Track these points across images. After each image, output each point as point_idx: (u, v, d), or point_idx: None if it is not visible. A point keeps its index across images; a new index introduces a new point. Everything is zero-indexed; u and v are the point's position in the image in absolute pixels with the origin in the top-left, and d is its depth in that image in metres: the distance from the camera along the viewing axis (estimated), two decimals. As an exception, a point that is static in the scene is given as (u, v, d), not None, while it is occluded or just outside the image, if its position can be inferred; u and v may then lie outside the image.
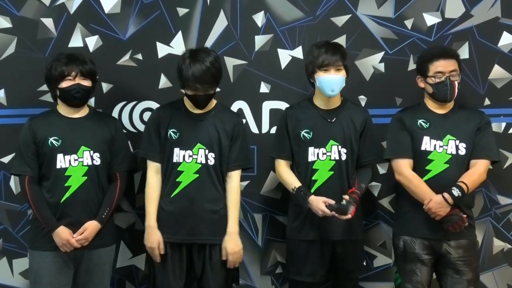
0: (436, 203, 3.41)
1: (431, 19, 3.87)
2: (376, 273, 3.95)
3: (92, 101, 3.87)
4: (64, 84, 3.43)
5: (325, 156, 3.55)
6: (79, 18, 3.86)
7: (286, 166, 3.63)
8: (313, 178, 3.55)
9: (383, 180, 3.90)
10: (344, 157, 3.55)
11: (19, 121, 3.76)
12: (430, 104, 3.59)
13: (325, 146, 3.55)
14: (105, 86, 3.87)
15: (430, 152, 3.51)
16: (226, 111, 3.62)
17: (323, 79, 3.48)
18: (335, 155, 3.54)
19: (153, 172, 3.55)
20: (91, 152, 3.49)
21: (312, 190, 3.53)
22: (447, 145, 3.51)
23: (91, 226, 3.46)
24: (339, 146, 3.55)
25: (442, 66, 3.48)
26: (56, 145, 3.45)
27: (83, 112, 3.55)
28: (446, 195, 3.41)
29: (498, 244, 3.92)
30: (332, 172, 3.54)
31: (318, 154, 3.55)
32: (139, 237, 3.81)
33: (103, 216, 3.49)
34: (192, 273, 3.55)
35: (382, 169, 3.90)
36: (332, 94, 3.51)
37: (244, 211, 3.91)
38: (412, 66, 3.86)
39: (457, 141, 3.51)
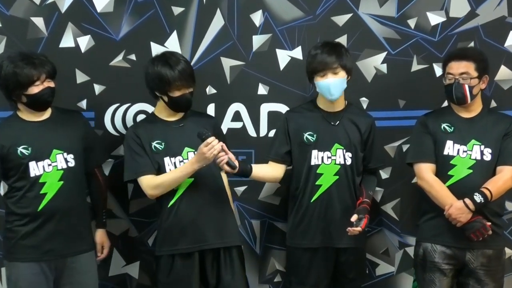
0: (456, 208, 3.32)
1: (435, 19, 3.81)
2: (378, 281, 3.88)
3: (83, 104, 3.80)
4: (35, 90, 3.27)
5: (330, 160, 3.47)
6: (71, 17, 3.78)
7: (282, 170, 3.56)
8: (317, 183, 3.47)
9: (386, 185, 3.84)
10: (349, 162, 3.49)
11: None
12: (455, 107, 3.52)
13: (330, 150, 3.48)
14: (98, 88, 3.80)
15: (453, 157, 3.43)
16: (199, 115, 3.56)
17: (321, 84, 3.43)
18: (340, 159, 3.47)
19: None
20: (65, 154, 3.36)
21: (316, 195, 3.46)
22: (471, 150, 3.43)
23: (103, 237, 3.54)
24: (344, 150, 3.48)
25: (452, 68, 3.43)
26: (27, 154, 3.30)
27: (47, 113, 3.40)
28: (467, 200, 3.32)
29: (506, 252, 3.75)
30: (338, 177, 3.47)
31: (322, 158, 3.48)
32: (132, 244, 3.82)
33: (104, 220, 3.51)
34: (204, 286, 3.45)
35: (385, 174, 3.84)
36: (332, 98, 3.45)
37: (242, 218, 3.85)
38: (415, 67, 3.82)
39: (482, 146, 3.43)
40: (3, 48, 3.75)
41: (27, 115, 3.38)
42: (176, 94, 3.37)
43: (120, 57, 3.79)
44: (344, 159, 3.47)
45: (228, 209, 3.47)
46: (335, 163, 3.47)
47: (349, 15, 3.81)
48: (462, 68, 3.41)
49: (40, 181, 3.30)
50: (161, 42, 3.79)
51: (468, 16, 3.79)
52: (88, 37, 3.78)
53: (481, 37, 3.79)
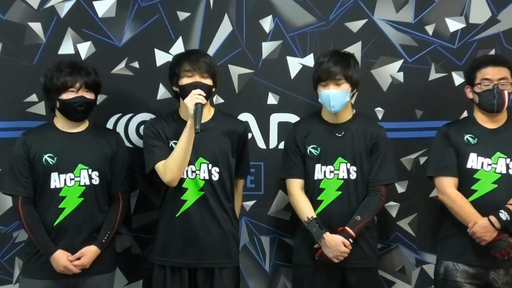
0: (481, 226, 3.24)
1: (454, 25, 3.75)
2: (394, 301, 3.81)
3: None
4: (66, 96, 3.29)
5: (333, 175, 3.38)
6: (70, 22, 3.72)
7: (300, 188, 3.42)
8: (318, 198, 3.38)
9: (402, 200, 3.74)
10: (353, 176, 3.37)
11: (4, 135, 3.65)
12: (480, 118, 3.43)
13: (332, 164, 3.38)
14: (99, 97, 3.65)
15: (476, 170, 3.34)
16: (227, 119, 3.44)
17: (322, 94, 3.37)
18: (343, 174, 3.37)
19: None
20: (89, 170, 3.33)
21: (318, 211, 3.36)
22: (496, 164, 3.33)
23: (90, 252, 3.29)
24: (348, 164, 3.38)
25: (490, 73, 3.35)
26: (51, 163, 3.29)
27: (82, 127, 3.40)
28: (492, 218, 3.23)
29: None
30: (340, 193, 3.37)
31: (325, 172, 3.38)
32: (135, 262, 3.73)
33: (103, 241, 3.33)
34: None
35: (401, 188, 3.73)
36: (333, 110, 3.36)
37: (251, 234, 3.76)
38: (433, 75, 3.74)
39: (508, 160, 3.34)
40: (-1, 54, 3.71)
41: (62, 125, 3.37)
42: (185, 81, 3.26)
43: (122, 65, 3.73)
44: (348, 173, 3.37)
45: (231, 229, 3.35)
46: (338, 178, 3.37)
47: (363, 21, 3.74)
48: (501, 74, 3.34)
49: (60, 195, 3.28)
50: (166, 49, 3.73)
51: (488, 22, 3.74)
52: (88, 43, 3.72)
53: (502, 44, 3.73)
